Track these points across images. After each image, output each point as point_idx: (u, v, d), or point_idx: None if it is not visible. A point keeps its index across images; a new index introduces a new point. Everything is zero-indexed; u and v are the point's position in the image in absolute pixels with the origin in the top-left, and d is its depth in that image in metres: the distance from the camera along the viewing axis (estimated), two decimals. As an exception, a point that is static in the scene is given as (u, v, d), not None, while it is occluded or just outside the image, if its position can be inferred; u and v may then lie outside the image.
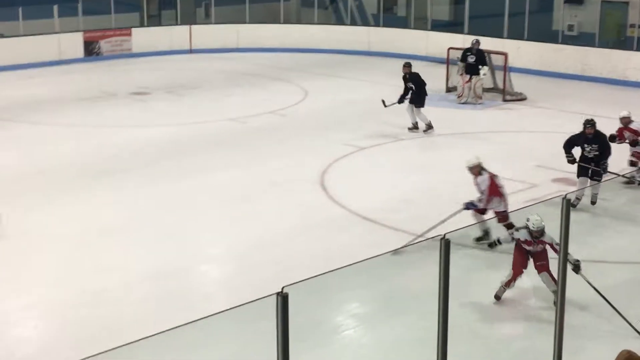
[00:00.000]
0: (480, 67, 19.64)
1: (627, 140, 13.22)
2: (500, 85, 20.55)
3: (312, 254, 10.01)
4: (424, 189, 13.06)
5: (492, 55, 20.77)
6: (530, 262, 8.93)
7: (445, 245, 5.73)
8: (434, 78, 22.28)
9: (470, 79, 19.66)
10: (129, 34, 27.22)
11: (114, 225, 11.50)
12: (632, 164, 13.29)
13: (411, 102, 16.81)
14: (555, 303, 7.71)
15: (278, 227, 11.41)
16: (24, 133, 17.05)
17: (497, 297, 8.99)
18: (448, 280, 5.75)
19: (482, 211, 10.59)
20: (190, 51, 27.85)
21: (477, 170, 10.55)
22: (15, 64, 24.34)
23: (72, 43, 25.96)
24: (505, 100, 20.04)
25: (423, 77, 16.93)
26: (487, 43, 21.37)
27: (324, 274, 8.96)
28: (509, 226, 10.20)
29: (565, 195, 6.67)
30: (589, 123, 12.03)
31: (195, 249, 10.89)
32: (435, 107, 19.17)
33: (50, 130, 17.29)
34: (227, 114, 18.53)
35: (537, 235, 8.66)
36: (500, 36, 24.39)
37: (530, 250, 8.83)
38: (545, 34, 24.65)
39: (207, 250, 10.98)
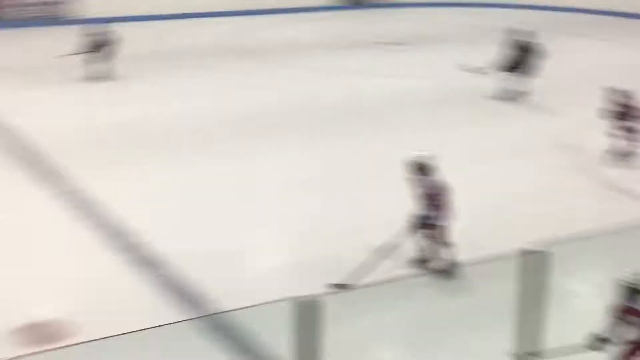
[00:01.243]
0: None
1: None
2: None
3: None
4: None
5: None
6: None
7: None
8: None
9: None
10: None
11: (314, 178, 11.50)
12: None
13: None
14: None
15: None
16: (281, 75, 18.08)
17: None
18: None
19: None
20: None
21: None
22: (283, 8, 25.82)
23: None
24: None
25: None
26: None
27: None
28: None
29: None
30: None
31: (360, 215, 10.18)
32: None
33: (303, 74, 18.20)
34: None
35: None
36: None
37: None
38: None
39: (376, 217, 9.90)
